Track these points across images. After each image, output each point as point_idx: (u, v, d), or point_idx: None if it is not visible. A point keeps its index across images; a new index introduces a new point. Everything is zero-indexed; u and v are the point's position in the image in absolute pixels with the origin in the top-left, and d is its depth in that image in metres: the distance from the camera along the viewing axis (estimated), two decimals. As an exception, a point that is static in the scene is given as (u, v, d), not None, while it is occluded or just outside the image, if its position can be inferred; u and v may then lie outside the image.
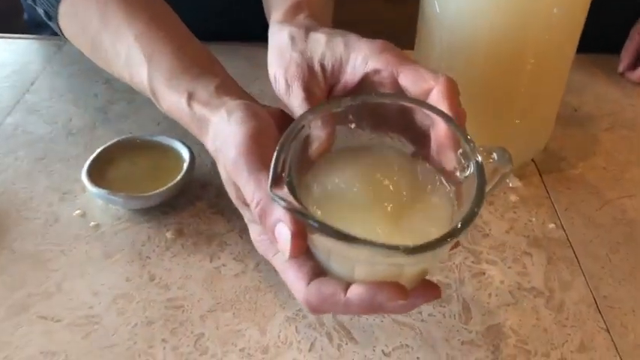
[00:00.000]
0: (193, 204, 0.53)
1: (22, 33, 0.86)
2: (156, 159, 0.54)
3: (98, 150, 0.54)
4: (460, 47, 0.50)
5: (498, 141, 0.53)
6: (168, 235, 0.50)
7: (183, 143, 0.55)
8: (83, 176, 0.51)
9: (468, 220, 0.31)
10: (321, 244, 0.33)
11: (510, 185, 0.57)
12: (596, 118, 0.67)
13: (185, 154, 0.54)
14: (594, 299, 0.47)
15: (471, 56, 0.50)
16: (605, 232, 0.53)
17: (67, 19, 0.52)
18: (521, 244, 0.51)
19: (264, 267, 0.47)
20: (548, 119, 0.57)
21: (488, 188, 0.34)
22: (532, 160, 0.60)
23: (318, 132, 0.36)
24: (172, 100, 0.42)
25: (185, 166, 0.53)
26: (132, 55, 0.45)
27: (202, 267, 0.47)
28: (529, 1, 0.46)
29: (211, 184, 0.55)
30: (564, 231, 0.53)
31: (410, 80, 0.37)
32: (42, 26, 0.85)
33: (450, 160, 0.36)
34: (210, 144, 0.40)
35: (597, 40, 0.56)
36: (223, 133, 0.38)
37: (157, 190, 0.50)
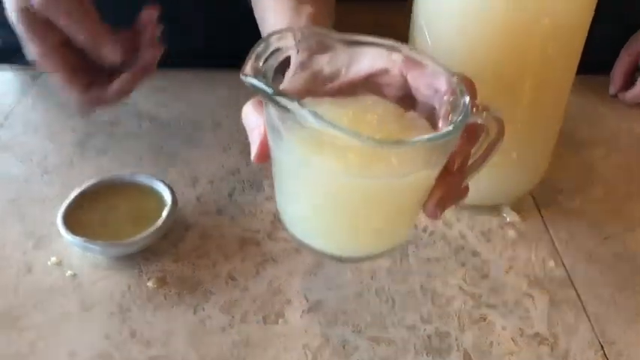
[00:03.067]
0: (176, 247, 0.50)
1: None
2: (136, 201, 0.51)
3: (74, 193, 0.50)
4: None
5: (495, 175, 0.51)
6: (150, 284, 0.47)
7: (165, 183, 0.52)
8: (58, 222, 0.48)
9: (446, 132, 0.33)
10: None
11: (508, 220, 0.54)
12: (591, 144, 0.65)
13: (167, 195, 0.51)
14: (601, 345, 0.44)
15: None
16: (608, 269, 0.51)
17: None
18: (522, 285, 0.49)
19: (253, 317, 0.45)
20: (545, 152, 0.54)
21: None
22: (530, 192, 0.57)
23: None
24: None
25: (167, 208, 0.50)
26: None
27: (186, 320, 0.44)
28: (523, 37, 0.44)
29: (195, 226, 0.52)
30: (565, 269, 0.50)
31: (419, 81, 0.37)
32: (17, 54, 0.82)
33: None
34: None
35: (585, 60, 0.55)
36: None
37: (138, 237, 0.47)
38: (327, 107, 0.36)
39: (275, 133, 0.35)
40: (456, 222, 0.54)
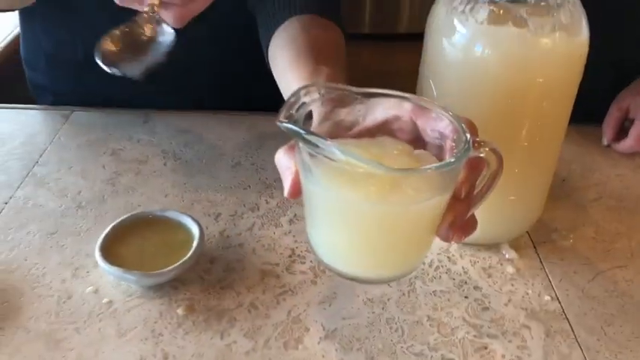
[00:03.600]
0: (202, 278, 0.55)
1: (24, 97, 0.89)
2: (166, 234, 0.56)
3: (110, 227, 0.55)
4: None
5: (495, 216, 0.55)
6: (180, 311, 0.51)
7: (193, 218, 0.57)
8: (96, 254, 0.53)
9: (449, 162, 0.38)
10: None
11: (507, 257, 0.59)
12: (583, 188, 0.70)
13: (194, 229, 0.56)
14: (592, 373, 0.49)
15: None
16: (599, 304, 0.55)
17: None
18: (520, 317, 0.53)
19: (274, 343, 0.49)
20: (540, 195, 0.59)
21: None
22: (526, 231, 0.62)
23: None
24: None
25: (195, 241, 0.55)
26: None
27: (213, 344, 0.49)
28: (519, 94, 0.50)
29: (220, 258, 0.57)
30: (559, 303, 0.55)
31: (426, 125, 0.43)
32: (42, 88, 0.88)
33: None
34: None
35: (578, 110, 0.61)
36: None
37: (169, 267, 0.52)
38: (350, 146, 0.42)
39: (305, 169, 0.41)
40: (459, 258, 0.59)
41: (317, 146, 0.38)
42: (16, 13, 0.85)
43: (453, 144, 0.41)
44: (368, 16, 1.88)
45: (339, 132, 0.45)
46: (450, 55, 0.51)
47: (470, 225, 0.44)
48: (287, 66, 0.58)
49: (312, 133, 0.38)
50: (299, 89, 0.42)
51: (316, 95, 0.43)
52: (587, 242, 0.62)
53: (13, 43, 1.05)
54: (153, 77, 0.53)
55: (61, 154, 0.71)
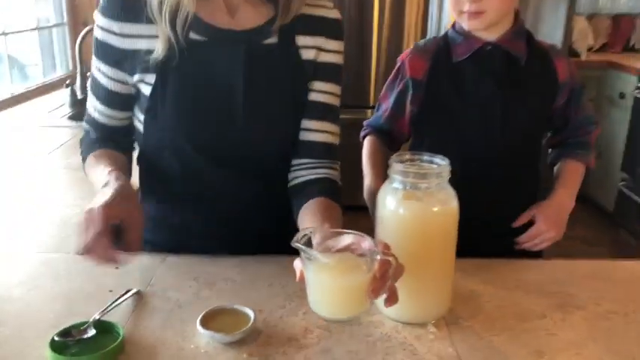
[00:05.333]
0: (255, 340, 0.97)
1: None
2: (235, 315, 1.00)
3: (202, 313, 0.99)
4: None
5: (422, 304, 0.99)
6: (245, 356, 0.93)
7: (250, 308, 1.00)
8: (198, 325, 0.96)
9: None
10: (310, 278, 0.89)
11: (430, 331, 1.01)
12: (484, 285, 1.14)
13: (250, 314, 0.99)
14: (469, 383, 0.89)
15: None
16: (488, 354, 0.96)
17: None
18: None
19: (296, 370, 0.90)
20: (446, 293, 1.04)
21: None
22: (442, 316, 1.05)
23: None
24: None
25: (251, 321, 0.98)
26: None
27: (264, 370, 0.91)
28: (424, 236, 0.97)
29: (264, 330, 1.00)
30: (458, 354, 0.96)
31: (363, 245, 0.90)
32: (145, 242, 1.35)
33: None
34: None
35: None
36: None
37: (238, 332, 0.95)
38: (326, 255, 0.89)
39: (306, 265, 0.87)
40: (395, 334, 1.01)
41: (309, 254, 0.85)
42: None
43: (375, 255, 0.88)
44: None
45: (325, 250, 0.91)
46: (387, 213, 0.99)
47: (392, 297, 0.88)
48: (307, 221, 1.07)
49: (309, 250, 0.86)
50: (304, 229, 0.91)
51: (314, 234, 0.91)
52: (480, 324, 1.05)
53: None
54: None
55: (166, 280, 1.16)
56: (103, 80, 1.18)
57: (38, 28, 2.87)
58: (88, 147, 1.24)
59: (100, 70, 1.18)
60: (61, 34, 3.04)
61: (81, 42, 2.55)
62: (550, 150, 1.51)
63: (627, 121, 3.71)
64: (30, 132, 2.38)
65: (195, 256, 1.25)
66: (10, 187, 1.80)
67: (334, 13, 1.21)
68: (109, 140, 1.23)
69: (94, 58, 1.19)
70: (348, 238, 0.91)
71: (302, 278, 0.90)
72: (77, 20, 3.09)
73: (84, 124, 1.28)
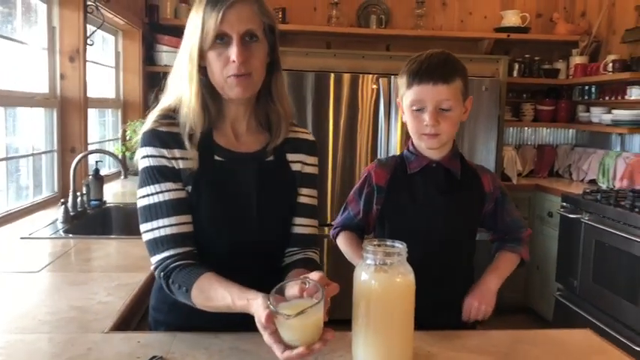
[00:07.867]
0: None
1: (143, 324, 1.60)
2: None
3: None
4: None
5: None
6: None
7: (257, 362, 1.27)
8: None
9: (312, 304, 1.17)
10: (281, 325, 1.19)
11: (398, 377, 1.30)
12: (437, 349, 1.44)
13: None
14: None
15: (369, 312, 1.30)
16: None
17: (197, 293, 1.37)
18: (403, 395, 1.22)
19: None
20: (408, 351, 1.34)
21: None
22: (408, 368, 1.34)
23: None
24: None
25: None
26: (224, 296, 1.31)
27: (273, 403, 1.17)
28: (389, 303, 1.29)
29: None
30: (421, 391, 1.25)
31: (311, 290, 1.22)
32: (161, 323, 1.59)
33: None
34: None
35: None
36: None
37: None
38: (285, 305, 1.20)
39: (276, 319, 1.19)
40: (376, 378, 1.29)
41: (276, 310, 1.17)
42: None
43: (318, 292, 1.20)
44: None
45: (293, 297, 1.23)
46: (361, 283, 1.32)
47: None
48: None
49: (275, 307, 1.18)
50: (283, 283, 1.23)
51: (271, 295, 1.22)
52: (436, 373, 1.34)
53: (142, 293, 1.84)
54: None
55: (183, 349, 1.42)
56: (166, 196, 1.45)
57: (32, 154, 3.20)
58: (184, 279, 1.41)
59: (159, 192, 1.45)
60: (49, 159, 3.36)
61: (76, 165, 2.89)
62: (492, 245, 1.92)
63: (556, 237, 4.17)
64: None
65: (202, 333, 1.51)
66: None
67: (311, 137, 1.66)
68: (190, 257, 1.44)
69: (146, 188, 1.45)
70: (295, 287, 1.23)
71: (272, 326, 1.18)
72: (65, 147, 3.44)
73: (157, 271, 1.45)
